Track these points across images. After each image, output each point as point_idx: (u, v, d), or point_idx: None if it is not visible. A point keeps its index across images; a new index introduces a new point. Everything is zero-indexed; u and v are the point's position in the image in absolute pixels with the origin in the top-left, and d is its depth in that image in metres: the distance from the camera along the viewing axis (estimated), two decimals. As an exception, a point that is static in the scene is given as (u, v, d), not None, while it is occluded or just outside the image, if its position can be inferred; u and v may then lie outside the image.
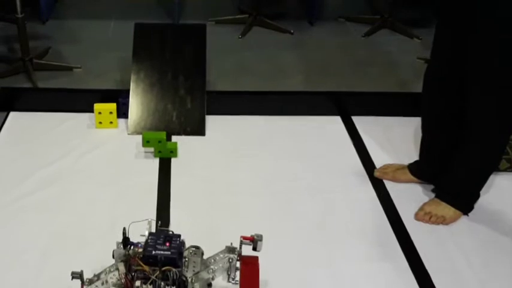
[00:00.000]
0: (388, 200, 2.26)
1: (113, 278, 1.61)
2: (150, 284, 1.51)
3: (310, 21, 3.94)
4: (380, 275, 1.91)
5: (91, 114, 2.64)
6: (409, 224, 2.13)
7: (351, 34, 3.85)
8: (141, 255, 1.55)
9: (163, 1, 3.97)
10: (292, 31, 3.77)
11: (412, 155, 2.46)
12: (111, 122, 2.63)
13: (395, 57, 3.55)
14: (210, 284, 1.72)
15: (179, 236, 1.59)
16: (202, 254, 1.65)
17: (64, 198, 2.19)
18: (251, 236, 1.63)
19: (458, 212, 2.14)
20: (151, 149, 2.46)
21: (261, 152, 2.53)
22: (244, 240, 1.64)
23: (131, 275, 1.55)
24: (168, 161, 2.44)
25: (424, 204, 2.19)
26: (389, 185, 2.33)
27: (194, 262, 1.64)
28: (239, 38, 3.68)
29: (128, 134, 2.61)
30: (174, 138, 2.59)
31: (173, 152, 2.46)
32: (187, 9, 3.97)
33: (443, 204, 2.15)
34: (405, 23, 3.91)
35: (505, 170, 2.41)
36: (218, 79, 3.07)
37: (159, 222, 1.86)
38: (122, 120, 2.67)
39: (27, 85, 2.96)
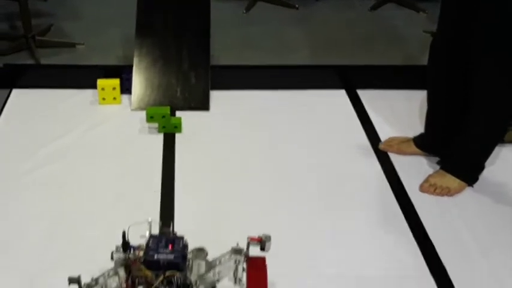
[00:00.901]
0: (393, 173, 2.24)
1: (113, 283, 1.53)
2: None
3: (316, -5, 3.90)
4: (385, 246, 1.90)
5: (94, 90, 2.64)
6: (413, 195, 2.12)
7: (357, 8, 3.81)
8: (143, 260, 1.48)
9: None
10: (297, 6, 3.73)
11: (417, 127, 2.44)
12: (114, 98, 2.62)
13: (402, 31, 3.51)
14: (214, 287, 1.65)
15: (182, 237, 1.54)
16: (207, 255, 1.59)
17: (69, 174, 2.19)
18: (259, 236, 1.57)
19: (463, 183, 2.13)
20: (155, 125, 2.45)
21: (265, 126, 2.51)
22: (251, 241, 1.58)
23: (132, 280, 1.48)
24: (172, 136, 2.43)
25: (429, 176, 2.17)
26: (394, 157, 2.32)
27: (198, 264, 1.57)
28: (243, 13, 3.64)
29: (132, 109, 2.60)
30: (178, 113, 2.58)
31: (177, 127, 2.45)
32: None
33: (448, 175, 2.13)
34: (411, -4, 3.87)
35: (511, 142, 2.39)
36: (222, 54, 3.04)
37: (161, 222, 1.76)
38: (125, 96, 2.66)
39: (30, 62, 2.96)
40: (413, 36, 3.43)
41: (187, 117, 2.52)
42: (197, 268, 1.56)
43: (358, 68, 2.91)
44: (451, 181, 2.12)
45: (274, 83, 2.78)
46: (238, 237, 1.60)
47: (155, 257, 1.46)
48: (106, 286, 1.52)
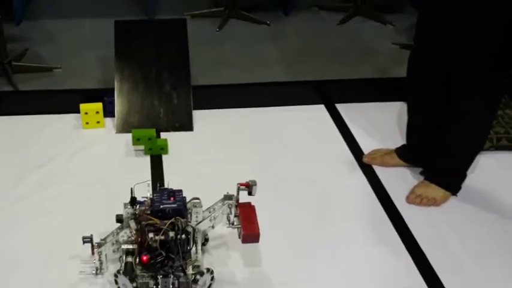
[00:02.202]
0: (379, 185, 2.30)
1: (124, 236, 1.74)
2: (162, 235, 1.63)
3: (285, 11, 3.97)
4: (376, 257, 1.95)
5: (77, 115, 2.62)
6: (401, 206, 2.18)
7: (326, 22, 3.90)
8: (150, 211, 1.69)
9: (137, -4, 3.96)
10: (268, 22, 3.80)
11: (397, 138, 2.52)
12: (98, 122, 2.62)
13: (371, 43, 3.61)
14: (207, 239, 1.88)
15: (181, 190, 1.75)
16: (201, 206, 1.81)
17: (58, 201, 2.18)
18: (246, 182, 1.82)
19: (447, 192, 2.20)
20: (142, 147, 2.46)
21: (250, 144, 2.55)
22: (240, 186, 1.81)
23: (142, 229, 1.67)
24: (159, 157, 2.44)
25: (415, 187, 2.23)
26: (378, 170, 2.38)
27: (197, 213, 1.79)
28: (217, 31, 3.68)
29: (116, 133, 2.61)
30: (163, 134, 2.59)
31: (164, 149, 2.47)
32: (162, 4, 3.95)
33: (433, 185, 2.20)
34: (378, 9, 3.97)
35: (488, 149, 2.48)
36: (200, 73, 3.07)
37: (158, 183, 1.97)
38: (108, 120, 2.66)
39: (8, 88, 2.93)
40: (382, 49, 3.53)
41: (172, 138, 2.54)
42: (195, 216, 1.80)
43: (335, 82, 2.99)
44: (436, 191, 2.19)
45: (255, 101, 2.83)
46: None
47: (161, 206, 1.69)
48: (117, 241, 1.75)
